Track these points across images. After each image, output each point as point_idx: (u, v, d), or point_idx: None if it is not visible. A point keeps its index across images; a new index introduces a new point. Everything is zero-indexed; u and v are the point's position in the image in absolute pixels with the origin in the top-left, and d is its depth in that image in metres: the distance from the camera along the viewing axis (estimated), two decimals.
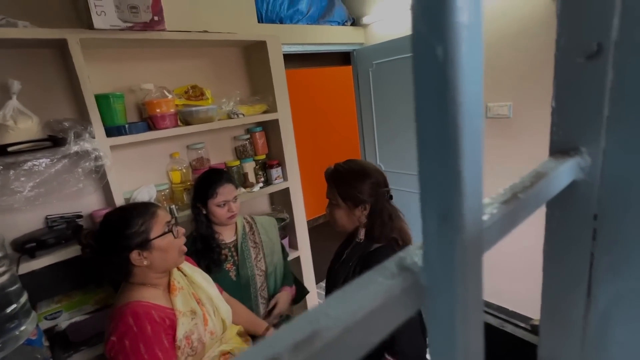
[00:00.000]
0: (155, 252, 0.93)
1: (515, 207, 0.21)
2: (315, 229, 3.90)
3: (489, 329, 1.25)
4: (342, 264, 1.05)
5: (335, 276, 1.05)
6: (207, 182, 1.35)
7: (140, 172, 1.66)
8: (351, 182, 0.97)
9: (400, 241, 1.00)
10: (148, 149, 1.68)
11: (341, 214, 1.00)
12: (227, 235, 1.43)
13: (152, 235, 0.92)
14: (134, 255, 0.91)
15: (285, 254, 1.64)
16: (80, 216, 1.44)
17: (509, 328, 1.22)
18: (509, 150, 2.04)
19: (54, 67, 1.38)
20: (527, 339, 1.16)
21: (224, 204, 1.34)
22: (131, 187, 1.59)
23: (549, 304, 0.32)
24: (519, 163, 2.00)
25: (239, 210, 1.40)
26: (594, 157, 0.25)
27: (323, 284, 3.07)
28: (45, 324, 1.35)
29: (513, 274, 2.29)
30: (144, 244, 0.91)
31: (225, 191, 1.34)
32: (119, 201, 1.43)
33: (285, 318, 1.50)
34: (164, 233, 0.94)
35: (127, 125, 1.45)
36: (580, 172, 0.25)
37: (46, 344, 1.30)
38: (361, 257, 0.99)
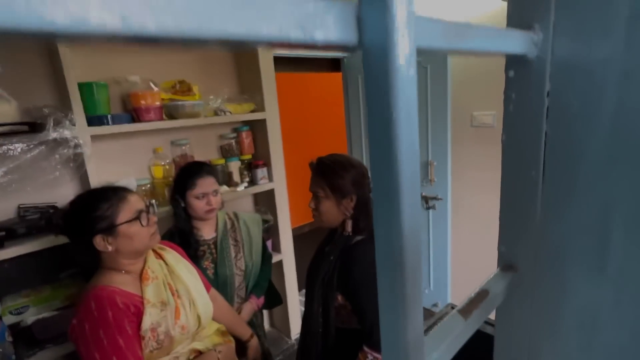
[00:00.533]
0: (121, 238, 0.88)
1: (465, 32, 0.21)
2: (300, 237, 3.86)
3: None
4: (323, 260, 1.03)
5: (316, 273, 1.03)
6: (187, 174, 1.32)
7: (121, 165, 1.63)
8: (339, 172, 0.97)
9: None
10: (131, 142, 1.65)
11: (329, 206, 0.99)
12: (206, 232, 1.39)
13: (119, 220, 0.87)
14: (98, 240, 0.86)
15: (267, 255, 1.58)
16: (55, 207, 1.39)
17: (490, 330, 1.22)
18: (492, 158, 2.08)
19: (36, 53, 1.35)
20: None
21: (203, 197, 1.30)
22: (110, 179, 1.54)
23: (507, 195, 0.32)
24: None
25: (219, 205, 1.35)
26: (545, 31, 0.26)
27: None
28: (10, 319, 1.28)
29: None
30: (109, 229, 0.87)
31: (205, 183, 1.30)
32: None
33: (252, 325, 1.44)
34: (131, 220, 0.89)
35: (109, 116, 1.42)
36: (533, 47, 0.26)
37: (9, 339, 1.23)
38: (342, 250, 0.98)
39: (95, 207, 0.86)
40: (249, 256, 1.46)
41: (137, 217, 0.90)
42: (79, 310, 0.83)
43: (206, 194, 1.30)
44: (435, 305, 2.52)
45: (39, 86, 1.37)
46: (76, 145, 1.29)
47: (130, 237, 0.89)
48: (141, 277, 0.95)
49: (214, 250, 1.39)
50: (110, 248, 0.87)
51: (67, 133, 1.27)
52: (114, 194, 0.90)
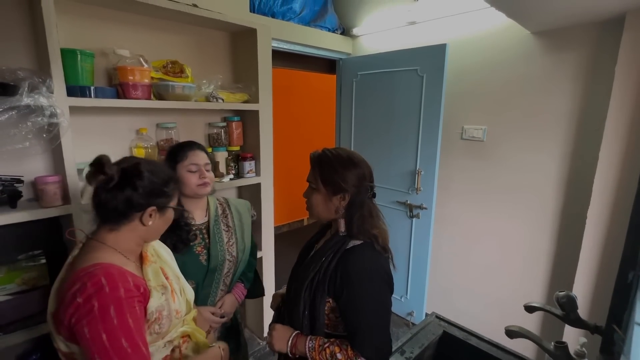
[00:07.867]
0: (163, 219, 0.89)
1: None
2: (278, 237, 3.77)
3: (454, 341, 1.23)
4: (313, 260, 0.98)
5: (304, 272, 0.97)
6: (179, 147, 1.25)
7: (100, 143, 1.51)
8: (336, 167, 0.91)
9: (380, 239, 0.95)
10: (113, 119, 1.54)
11: (319, 200, 0.94)
12: (197, 216, 1.31)
13: (172, 203, 0.90)
14: (149, 210, 0.83)
15: (253, 243, 1.50)
16: (20, 181, 1.26)
17: (474, 341, 1.20)
18: (479, 172, 2.11)
19: (16, 11, 1.23)
20: (490, 352, 1.14)
21: (196, 169, 1.22)
22: (87, 157, 1.43)
23: None
24: (488, 184, 2.07)
25: (212, 182, 1.28)
26: None
27: (282, 290, 2.93)
28: None
29: (474, 298, 2.33)
30: (164, 206, 0.87)
31: (197, 156, 1.23)
32: (71, 170, 1.27)
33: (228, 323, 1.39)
34: (177, 207, 0.93)
35: (92, 88, 1.31)
36: None
37: None
38: (337, 252, 0.92)
39: (167, 181, 0.87)
40: (242, 242, 1.39)
41: (177, 208, 0.95)
42: (85, 287, 0.73)
43: (199, 166, 1.22)
44: (410, 314, 2.51)
45: (15, 46, 1.24)
46: (52, 115, 1.18)
47: (166, 221, 0.92)
48: (141, 260, 0.90)
49: (205, 236, 1.31)
50: (150, 223, 0.85)
51: (43, 100, 1.16)
52: (176, 179, 0.94)
